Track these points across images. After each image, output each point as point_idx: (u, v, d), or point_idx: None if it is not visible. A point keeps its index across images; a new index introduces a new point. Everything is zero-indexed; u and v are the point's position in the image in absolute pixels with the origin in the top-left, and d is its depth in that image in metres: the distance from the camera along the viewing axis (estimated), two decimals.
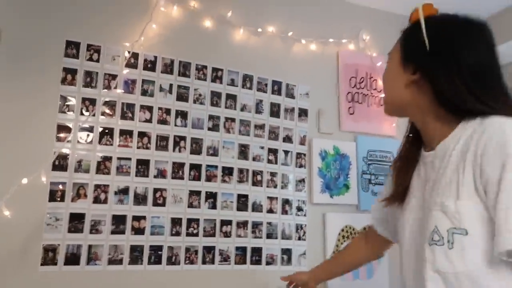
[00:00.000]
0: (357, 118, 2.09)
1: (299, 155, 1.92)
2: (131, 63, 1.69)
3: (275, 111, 1.91)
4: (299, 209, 1.86)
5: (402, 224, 0.93)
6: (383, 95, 0.91)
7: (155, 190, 1.63)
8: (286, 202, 1.85)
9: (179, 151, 1.70)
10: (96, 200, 1.54)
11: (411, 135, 0.98)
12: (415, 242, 0.86)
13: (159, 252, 1.58)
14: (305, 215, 1.87)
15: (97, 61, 1.63)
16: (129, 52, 1.67)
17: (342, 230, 1.91)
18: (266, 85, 1.92)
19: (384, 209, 1.06)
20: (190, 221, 1.66)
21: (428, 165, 0.88)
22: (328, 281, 1.81)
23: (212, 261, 1.66)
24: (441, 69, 0.83)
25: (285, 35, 2.00)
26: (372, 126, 2.11)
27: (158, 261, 1.58)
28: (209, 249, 1.66)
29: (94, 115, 1.59)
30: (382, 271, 1.94)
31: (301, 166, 1.91)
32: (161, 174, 1.65)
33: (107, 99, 1.62)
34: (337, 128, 2.04)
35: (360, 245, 1.25)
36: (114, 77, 1.64)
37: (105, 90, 1.63)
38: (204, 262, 1.65)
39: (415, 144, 0.96)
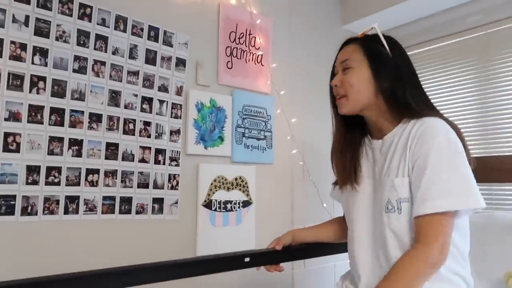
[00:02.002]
0: (235, 73, 2.14)
1: (174, 106, 1.90)
2: None
3: (151, 58, 1.84)
4: (173, 159, 1.87)
5: (357, 199, 1.14)
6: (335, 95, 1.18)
7: (6, 135, 1.45)
8: (159, 152, 1.83)
9: (37, 92, 1.53)
10: None
11: (342, 125, 1.22)
12: (370, 212, 1.10)
13: (12, 202, 1.44)
14: (178, 165, 1.88)
15: None
16: None
17: (215, 180, 1.98)
18: (142, 29, 1.82)
19: (341, 193, 1.23)
20: (50, 169, 1.53)
21: (376, 150, 1.12)
22: (197, 229, 1.89)
23: (76, 211, 1.58)
24: (403, 78, 1.08)
25: None
26: (249, 82, 2.19)
27: (10, 211, 1.43)
28: (72, 199, 1.57)
29: None
30: (250, 218, 2.09)
31: (176, 116, 1.90)
32: (14, 117, 1.47)
33: None
34: (215, 81, 2.06)
35: (332, 225, 1.41)
36: None
37: None
38: (66, 212, 1.55)
39: (355, 131, 1.20)
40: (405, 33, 2.66)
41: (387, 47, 1.09)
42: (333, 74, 1.18)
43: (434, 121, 1.01)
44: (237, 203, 2.06)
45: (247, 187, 2.11)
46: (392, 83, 1.07)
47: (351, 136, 1.20)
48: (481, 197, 0.96)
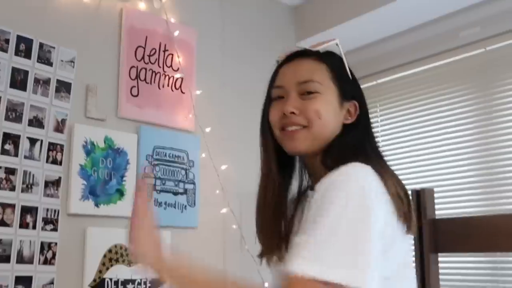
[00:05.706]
0: (143, 103, 2.21)
1: (53, 146, 1.93)
2: None
3: (18, 80, 1.88)
4: (48, 221, 1.88)
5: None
6: (295, 127, 1.13)
7: None
8: (28, 211, 1.83)
9: None
10: None
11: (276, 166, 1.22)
12: None
13: None
14: (56, 229, 1.89)
15: None
16: None
17: (110, 251, 1.99)
18: (6, 41, 1.86)
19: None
20: None
21: (306, 204, 1.13)
22: None
23: None
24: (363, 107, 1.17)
25: None
26: (163, 115, 2.26)
27: None
28: None
29: None
30: None
31: (55, 162, 1.93)
32: None
33: None
34: (113, 113, 2.13)
35: None
36: None
37: None
38: None
39: (289, 177, 1.24)
40: (375, 54, 2.79)
41: (349, 72, 1.18)
42: (278, 98, 1.20)
43: (349, 167, 1.00)
44: (142, 283, 2.07)
45: None
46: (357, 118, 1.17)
47: (286, 183, 1.23)
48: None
